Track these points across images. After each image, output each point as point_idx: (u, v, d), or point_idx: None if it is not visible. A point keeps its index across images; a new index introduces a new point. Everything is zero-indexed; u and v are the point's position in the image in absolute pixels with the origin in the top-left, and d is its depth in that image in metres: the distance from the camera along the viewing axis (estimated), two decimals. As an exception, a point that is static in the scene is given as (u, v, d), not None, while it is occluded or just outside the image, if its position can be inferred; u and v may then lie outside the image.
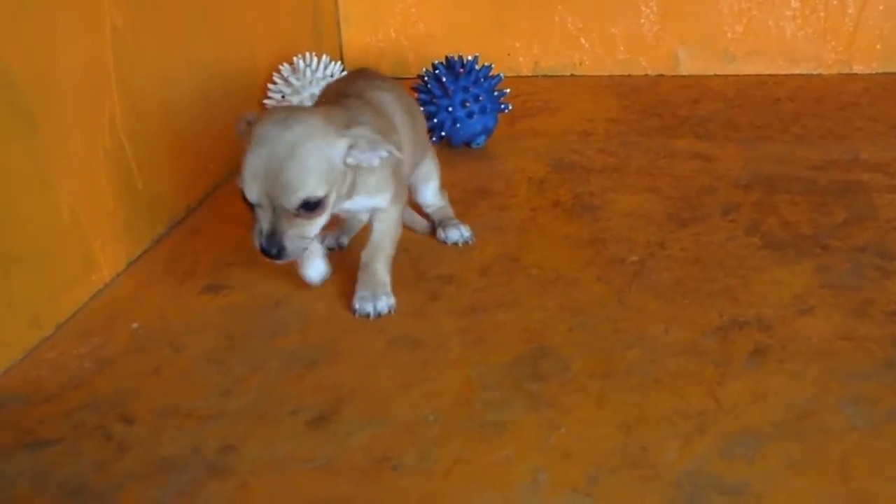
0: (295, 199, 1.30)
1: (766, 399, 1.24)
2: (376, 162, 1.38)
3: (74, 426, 1.26)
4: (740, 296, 1.48)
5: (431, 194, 1.73)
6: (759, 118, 2.29)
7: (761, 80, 2.59)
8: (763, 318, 1.42)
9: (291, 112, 1.37)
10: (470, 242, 1.69)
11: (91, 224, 1.58)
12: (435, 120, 2.09)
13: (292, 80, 2.16)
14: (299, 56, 2.21)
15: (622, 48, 2.70)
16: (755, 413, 1.21)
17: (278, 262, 1.35)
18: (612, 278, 1.56)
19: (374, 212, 1.50)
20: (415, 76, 2.23)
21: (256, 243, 1.33)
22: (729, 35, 2.62)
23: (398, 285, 1.55)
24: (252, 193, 1.31)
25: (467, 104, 2.07)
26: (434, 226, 1.73)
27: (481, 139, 2.13)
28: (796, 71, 2.62)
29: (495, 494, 1.09)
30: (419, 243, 1.70)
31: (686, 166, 2.01)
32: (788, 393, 1.25)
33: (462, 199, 1.88)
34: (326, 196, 1.33)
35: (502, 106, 2.15)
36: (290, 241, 1.32)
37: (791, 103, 2.39)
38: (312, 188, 1.31)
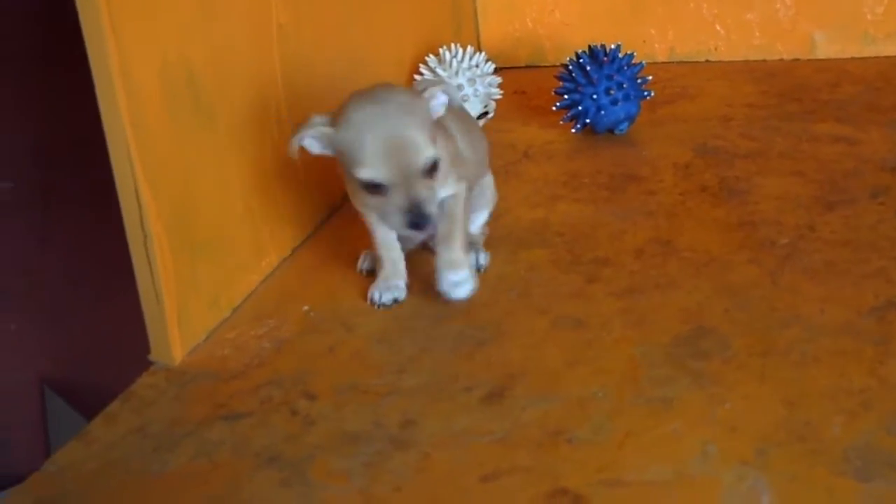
0: (424, 159, 1.37)
1: (930, 378, 1.27)
2: (442, 109, 1.46)
3: (262, 401, 1.34)
4: (895, 277, 1.51)
5: (475, 227, 1.69)
6: (903, 101, 2.29)
7: (902, 62, 2.57)
8: (920, 299, 1.44)
9: (371, 93, 1.43)
10: (482, 271, 1.62)
11: (261, 213, 1.67)
12: (579, 108, 2.14)
13: (439, 70, 2.23)
14: (445, 47, 2.27)
15: (757, 33, 2.70)
16: (920, 391, 1.24)
17: (423, 232, 1.44)
18: (764, 260, 1.59)
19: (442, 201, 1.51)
20: (551, 65, 2.28)
21: (399, 222, 1.39)
22: (868, 17, 2.61)
23: (555, 268, 1.61)
24: (386, 172, 1.37)
25: (611, 91, 2.11)
26: None
27: (624, 126, 2.17)
28: (942, 51, 2.60)
29: (668, 465, 1.15)
30: (572, 227, 1.75)
31: (830, 150, 2.02)
32: (954, 372, 1.27)
33: (609, 185, 1.93)
34: (437, 154, 1.39)
35: (644, 93, 2.19)
36: (431, 205, 1.38)
37: (936, 84, 2.38)
38: (428, 146, 1.38)
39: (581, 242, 1.70)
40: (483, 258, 1.64)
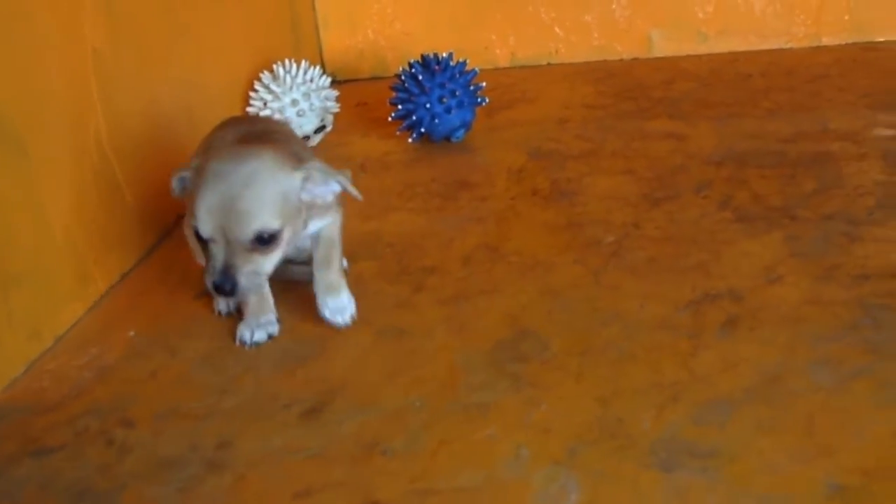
0: (249, 232, 1.29)
1: (736, 367, 1.29)
2: (330, 197, 1.39)
3: (77, 433, 1.31)
4: (712, 269, 1.54)
5: None
6: (731, 95, 2.34)
7: (733, 58, 2.64)
8: (734, 289, 1.47)
9: (245, 147, 1.36)
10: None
11: (84, 240, 1.64)
12: (414, 117, 2.15)
13: (273, 87, 2.21)
14: (279, 63, 2.26)
15: (596, 34, 2.75)
16: (726, 380, 1.26)
17: (231, 298, 1.39)
18: (588, 260, 1.61)
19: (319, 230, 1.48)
20: (394, 75, 2.28)
21: (209, 280, 1.31)
22: (700, 15, 2.67)
23: (384, 279, 1.61)
24: (206, 227, 1.30)
25: (444, 100, 2.12)
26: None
27: (460, 133, 2.18)
28: (767, 46, 2.68)
29: (480, 471, 1.15)
30: (403, 238, 1.76)
31: (660, 147, 2.06)
32: (758, 359, 1.30)
33: (443, 193, 1.93)
34: (281, 230, 1.32)
35: (479, 99, 2.20)
36: (245, 277, 1.31)
37: (762, 79, 2.44)
38: (267, 220, 1.30)
39: (410, 252, 1.70)
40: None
